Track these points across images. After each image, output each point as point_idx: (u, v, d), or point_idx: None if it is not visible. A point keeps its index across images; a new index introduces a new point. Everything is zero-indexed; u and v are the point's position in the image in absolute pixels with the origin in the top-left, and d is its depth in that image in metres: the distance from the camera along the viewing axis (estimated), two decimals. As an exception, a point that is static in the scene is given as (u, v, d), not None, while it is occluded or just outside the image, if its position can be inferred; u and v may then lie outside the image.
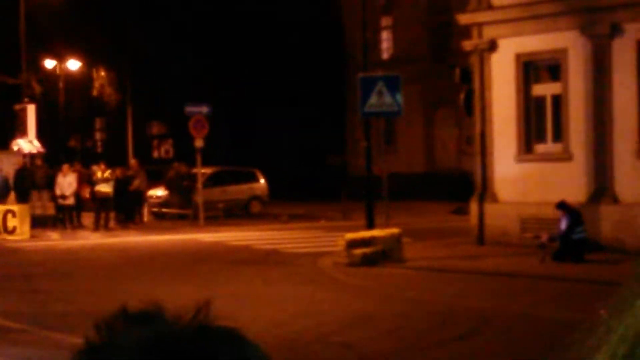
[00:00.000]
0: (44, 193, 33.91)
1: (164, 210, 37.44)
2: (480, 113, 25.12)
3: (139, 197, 35.37)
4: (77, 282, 19.61)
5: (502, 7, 24.63)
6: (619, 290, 1.07)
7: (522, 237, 23.52)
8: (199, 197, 34.62)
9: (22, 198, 32.54)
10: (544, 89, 24.61)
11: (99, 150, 58.15)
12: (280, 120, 51.78)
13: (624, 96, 22.62)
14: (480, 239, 24.56)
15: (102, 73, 52.25)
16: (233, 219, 36.61)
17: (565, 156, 23.70)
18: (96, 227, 32.63)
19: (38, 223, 32.16)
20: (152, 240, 28.85)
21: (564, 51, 23.64)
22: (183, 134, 36.93)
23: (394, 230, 22.20)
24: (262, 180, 39.94)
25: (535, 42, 24.08)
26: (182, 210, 36.85)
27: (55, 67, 48.02)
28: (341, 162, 45.86)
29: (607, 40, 22.91)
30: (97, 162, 35.74)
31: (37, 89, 47.43)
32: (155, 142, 59.56)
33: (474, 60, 25.29)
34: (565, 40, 23.53)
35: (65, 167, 33.97)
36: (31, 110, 37.77)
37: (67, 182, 33.16)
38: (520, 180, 24.35)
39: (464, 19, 25.85)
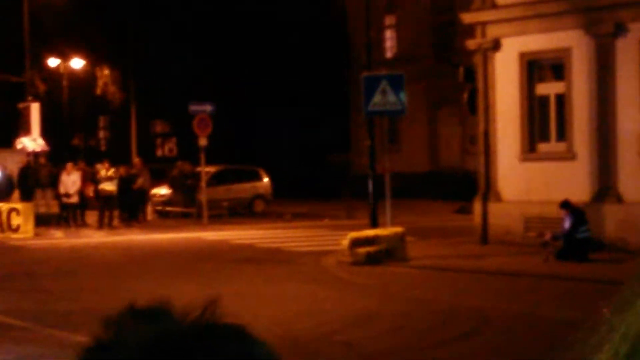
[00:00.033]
0: (47, 191, 33.93)
1: (167, 208, 37.46)
2: (483, 112, 25.11)
3: (143, 196, 35.38)
4: (81, 280, 19.63)
5: (506, 6, 24.61)
6: (621, 290, 1.07)
7: (525, 237, 23.52)
8: (203, 196, 34.63)
9: (26, 196, 32.57)
10: (548, 88, 24.59)
11: (103, 148, 58.17)
12: (284, 119, 51.78)
13: (628, 95, 22.60)
14: (484, 238, 24.55)
15: (106, 71, 52.27)
16: (237, 217, 36.62)
17: (569, 155, 23.68)
18: (100, 226, 32.66)
19: (42, 221, 32.18)
20: (156, 239, 28.86)
21: (567, 50, 23.63)
22: (187, 132, 36.94)
23: (398, 229, 22.20)
24: (265, 179, 39.94)
25: (539, 41, 24.06)
26: (186, 208, 36.85)
27: (59, 66, 48.04)
28: (342, 161, 45.89)
29: (611, 39, 22.90)
30: (100, 161, 35.75)
31: (41, 87, 47.48)
32: (159, 141, 59.58)
33: (478, 59, 25.28)
34: (569, 40, 23.52)
35: (69, 165, 33.99)
36: (35, 108, 37.80)
37: (71, 181, 33.19)
38: (524, 180, 24.34)
39: (467, 17, 25.84)
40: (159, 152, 58.40)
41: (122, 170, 34.68)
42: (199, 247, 26.46)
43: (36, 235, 29.92)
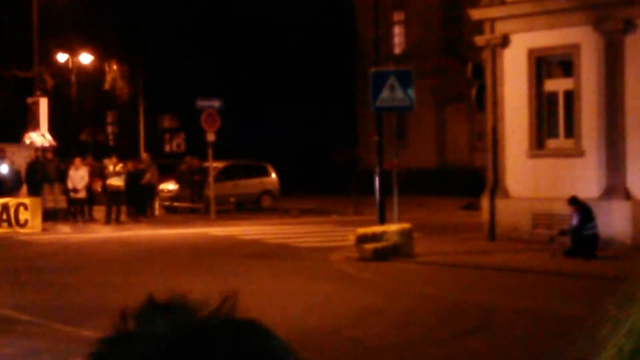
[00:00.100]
0: (55, 186, 33.96)
1: (175, 204, 37.49)
2: (492, 108, 25.09)
3: (151, 191, 35.41)
4: (88, 275, 19.66)
5: (515, 3, 24.58)
6: (626, 286, 1.07)
7: (533, 233, 23.51)
8: (211, 191, 34.65)
9: (34, 191, 32.62)
10: (557, 85, 24.56)
11: (111, 143, 58.21)
12: (291, 114, 51.74)
13: (637, 92, 22.56)
14: (491, 235, 24.53)
15: (114, 67, 52.28)
16: (244, 213, 36.63)
17: (577, 152, 23.65)
18: (107, 221, 32.69)
19: (50, 216, 32.23)
20: (163, 234, 28.89)
21: (576, 47, 23.59)
22: (195, 128, 36.95)
23: (405, 226, 22.20)
24: (273, 175, 39.96)
25: (548, 38, 24.03)
26: (193, 204, 36.90)
27: (67, 61, 48.07)
28: (349, 157, 45.83)
29: (619, 35, 22.85)
30: (108, 156, 35.78)
31: (49, 82, 47.49)
32: (167, 136, 59.61)
33: (486, 55, 25.25)
34: (577, 36, 23.48)
35: (77, 160, 34.03)
36: (43, 103, 37.84)
37: (79, 176, 33.22)
38: (532, 176, 24.32)
39: (476, 14, 25.81)
40: (167, 148, 58.44)
41: (130, 166, 34.71)
42: (207, 242, 26.48)
43: (44, 230, 29.97)
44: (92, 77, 50.61)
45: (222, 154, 37.27)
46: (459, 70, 32.60)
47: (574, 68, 23.80)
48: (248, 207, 38.12)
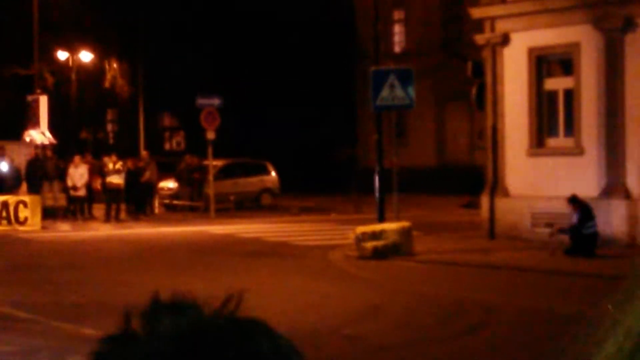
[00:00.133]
0: (55, 184, 33.96)
1: (174, 202, 37.50)
2: (492, 107, 25.08)
3: (150, 189, 35.41)
4: (88, 273, 19.66)
5: (515, 1, 24.57)
6: (624, 285, 1.07)
7: (532, 232, 23.52)
8: (210, 189, 34.66)
9: (33, 189, 32.62)
10: (556, 83, 24.56)
11: (111, 141, 58.19)
12: (291, 113, 51.74)
13: (637, 90, 22.55)
14: (491, 233, 24.53)
15: (115, 65, 52.29)
16: (244, 211, 36.63)
17: (577, 151, 23.65)
18: (107, 219, 32.69)
19: (49, 214, 32.24)
20: (163, 232, 28.90)
21: (576, 45, 23.58)
22: (195, 126, 36.94)
23: (405, 224, 22.20)
24: (273, 173, 39.96)
25: (548, 36, 24.02)
26: (193, 202, 36.90)
27: (67, 59, 48.05)
28: (350, 156, 45.86)
29: (619, 34, 22.85)
30: (108, 154, 35.78)
31: (50, 80, 47.53)
32: (166, 134, 59.62)
33: (486, 53, 25.24)
34: (578, 34, 23.47)
35: (77, 158, 34.03)
36: (43, 101, 37.85)
37: (78, 174, 33.22)
38: (532, 175, 24.32)
39: (476, 12, 25.80)
40: (167, 146, 58.44)
41: (130, 164, 34.71)
42: (206, 240, 26.48)
43: (43, 228, 29.98)
44: (92, 75, 50.62)
45: (223, 153, 37.28)
46: (459, 68, 32.58)
47: (574, 67, 23.79)
48: (248, 206, 38.13)
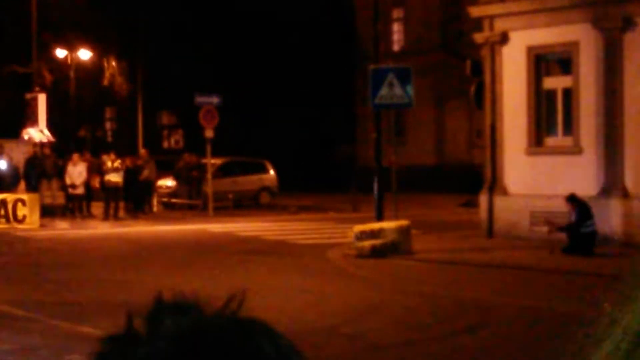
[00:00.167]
0: (53, 182, 33.96)
1: (173, 200, 37.50)
2: (490, 106, 25.08)
3: (149, 187, 35.42)
4: (86, 271, 19.65)
5: (514, 0, 24.57)
6: (622, 285, 1.06)
7: (531, 230, 23.52)
8: (209, 188, 34.66)
9: (31, 187, 32.60)
10: (555, 82, 24.56)
11: (109, 139, 58.22)
12: (291, 113, 51.77)
13: (635, 90, 22.56)
14: (490, 232, 24.54)
15: (113, 63, 52.28)
16: (242, 209, 36.64)
17: (576, 150, 23.66)
18: (106, 217, 32.69)
19: (48, 212, 32.23)
20: (162, 231, 28.89)
21: (575, 44, 23.59)
22: (193, 124, 36.94)
23: (403, 223, 22.20)
24: (271, 172, 39.96)
25: (547, 35, 24.03)
26: (191, 200, 36.90)
27: (66, 57, 48.05)
28: (349, 154, 45.91)
29: (618, 33, 22.85)
30: (107, 152, 35.77)
31: (48, 78, 47.51)
32: (165, 133, 59.63)
33: (485, 52, 25.24)
34: (576, 33, 23.47)
35: (76, 156, 34.03)
36: (42, 99, 37.83)
37: (77, 172, 33.22)
38: (530, 174, 24.32)
39: (475, 11, 25.80)
40: (166, 144, 58.46)
41: (128, 162, 34.71)
42: (205, 238, 26.48)
43: (42, 226, 29.97)
44: (91, 73, 50.61)
45: (221, 151, 37.29)
46: (457, 67, 32.59)
47: (573, 66, 23.79)
48: (246, 204, 38.14)
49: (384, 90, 23.25)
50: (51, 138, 37.05)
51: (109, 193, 33.13)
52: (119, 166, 33.62)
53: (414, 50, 47.01)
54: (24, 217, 30.15)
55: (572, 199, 21.37)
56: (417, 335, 12.89)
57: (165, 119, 59.33)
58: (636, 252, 19.81)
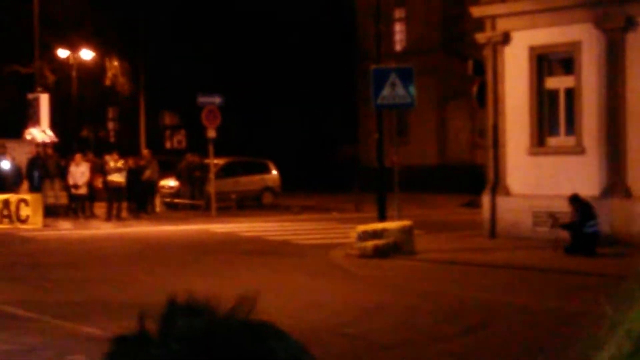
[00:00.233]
0: (56, 182, 33.97)
1: (175, 200, 37.50)
2: (493, 106, 25.08)
3: (151, 187, 35.42)
4: (89, 271, 19.66)
5: (516, 0, 24.56)
6: (623, 286, 1.07)
7: (534, 230, 23.51)
8: (211, 188, 34.65)
9: (34, 187, 32.62)
10: (557, 82, 24.55)
11: (112, 140, 58.17)
12: (293, 112, 51.76)
13: (638, 90, 22.54)
14: (492, 232, 24.53)
15: (115, 63, 52.26)
16: (245, 210, 36.63)
17: (578, 150, 23.64)
18: (108, 217, 32.70)
19: (51, 212, 32.25)
20: (164, 231, 28.90)
21: (577, 44, 23.57)
22: (196, 124, 36.93)
23: (406, 223, 22.19)
24: (274, 172, 39.95)
25: (549, 35, 24.01)
26: (194, 200, 36.90)
27: (68, 57, 48.04)
28: (350, 155, 45.88)
29: (621, 33, 22.83)
30: (109, 152, 35.77)
31: (50, 78, 47.51)
32: (167, 133, 59.57)
33: (487, 52, 25.23)
34: (579, 34, 23.46)
35: (78, 156, 34.04)
36: (44, 99, 37.86)
37: (79, 172, 33.23)
38: (533, 174, 24.31)
39: (477, 11, 25.79)
40: (168, 144, 58.38)
41: (131, 162, 34.71)
42: (207, 239, 26.49)
43: (45, 226, 29.98)
44: (93, 73, 50.59)
45: (224, 152, 37.27)
46: (460, 67, 32.57)
47: (575, 66, 23.78)
48: (249, 204, 38.12)
49: (386, 91, 23.24)
50: (54, 138, 37.07)
51: (111, 193, 33.13)
52: (122, 166, 33.63)
53: (416, 50, 46.97)
54: (27, 217, 30.17)
55: (574, 199, 21.37)
56: (420, 336, 12.89)
57: (168, 119, 59.26)
58: (638, 252, 19.81)
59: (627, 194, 22.69)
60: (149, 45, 47.88)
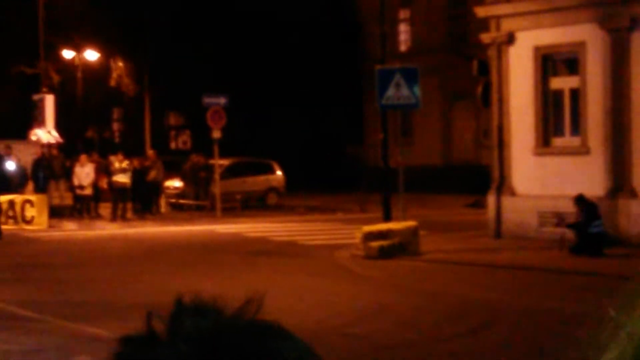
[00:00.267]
0: (61, 183, 34.01)
1: (181, 201, 37.52)
2: (497, 106, 25.07)
3: (156, 188, 35.45)
4: (94, 272, 19.68)
5: (521, 0, 24.54)
6: (627, 287, 1.07)
7: (539, 231, 23.49)
8: (216, 189, 34.68)
9: (40, 188, 32.66)
10: (562, 83, 24.53)
11: (117, 140, 58.23)
12: (297, 112, 51.76)
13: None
14: (497, 232, 24.52)
15: (120, 63, 52.30)
16: (250, 210, 36.65)
17: (583, 150, 23.62)
18: (113, 218, 32.73)
19: (56, 213, 32.28)
20: (169, 231, 28.92)
21: (582, 44, 23.55)
22: (201, 125, 36.96)
23: (411, 223, 22.19)
24: (279, 172, 39.97)
25: (554, 35, 23.99)
26: (199, 201, 36.92)
27: (73, 58, 48.09)
28: (354, 155, 45.88)
29: (626, 33, 22.81)
30: (114, 153, 35.81)
31: (55, 79, 47.54)
32: (172, 133, 59.62)
33: (492, 52, 25.22)
34: (583, 34, 23.44)
35: (83, 157, 34.09)
36: (49, 100, 37.88)
37: (84, 173, 33.27)
38: (538, 174, 24.29)
39: (482, 11, 25.78)
40: (173, 145, 58.43)
41: (136, 163, 34.75)
42: (212, 239, 26.50)
43: (50, 227, 30.02)
44: (98, 74, 50.62)
45: (229, 152, 37.29)
46: (464, 67, 32.55)
47: (580, 66, 23.76)
48: (254, 205, 38.14)
49: (390, 91, 23.23)
50: (59, 139, 37.09)
51: (116, 194, 33.17)
52: (127, 167, 33.66)
53: (421, 50, 46.97)
54: (32, 218, 30.21)
55: (580, 200, 21.35)
56: (425, 336, 12.88)
57: (173, 119, 59.33)
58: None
59: (633, 194, 22.66)
60: (154, 46, 47.91)
